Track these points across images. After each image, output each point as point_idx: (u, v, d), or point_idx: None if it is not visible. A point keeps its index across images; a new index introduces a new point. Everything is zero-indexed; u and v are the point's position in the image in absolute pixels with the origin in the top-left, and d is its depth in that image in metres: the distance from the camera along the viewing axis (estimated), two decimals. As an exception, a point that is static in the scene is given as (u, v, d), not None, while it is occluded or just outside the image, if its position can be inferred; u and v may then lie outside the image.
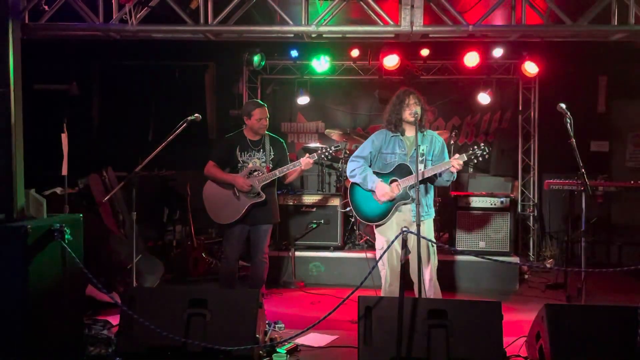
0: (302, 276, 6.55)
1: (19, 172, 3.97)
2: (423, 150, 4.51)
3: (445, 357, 3.56)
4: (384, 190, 4.49)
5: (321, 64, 7.66)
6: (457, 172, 4.43)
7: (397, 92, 4.62)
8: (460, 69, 7.76)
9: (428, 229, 4.57)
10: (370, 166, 4.67)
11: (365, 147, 4.71)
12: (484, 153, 4.33)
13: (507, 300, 5.45)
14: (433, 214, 4.66)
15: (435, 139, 4.60)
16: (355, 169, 4.65)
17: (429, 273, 4.51)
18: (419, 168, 4.35)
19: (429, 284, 4.49)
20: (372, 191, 4.58)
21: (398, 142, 4.60)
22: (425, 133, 4.60)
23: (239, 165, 5.18)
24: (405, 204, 4.50)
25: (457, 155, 4.36)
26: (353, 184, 4.75)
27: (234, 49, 7.47)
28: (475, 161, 4.38)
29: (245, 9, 4.90)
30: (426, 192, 4.56)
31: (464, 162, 4.35)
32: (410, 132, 4.54)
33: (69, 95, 6.82)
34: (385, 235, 4.57)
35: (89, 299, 5.02)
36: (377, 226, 4.64)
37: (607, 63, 7.60)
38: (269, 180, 5.10)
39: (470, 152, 4.37)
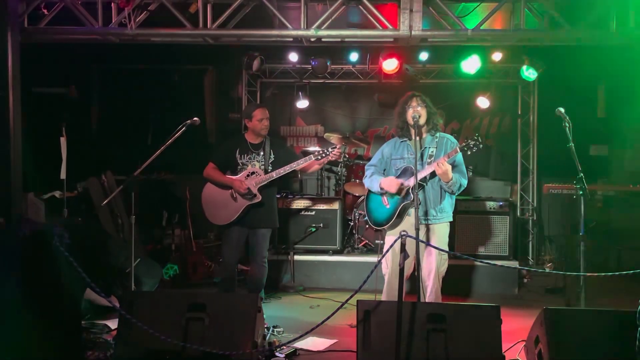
0: (302, 280, 6.54)
1: (18, 175, 3.96)
2: (432, 152, 4.48)
3: (444, 361, 3.55)
4: (390, 182, 4.47)
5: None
6: (452, 180, 4.33)
7: (404, 95, 4.59)
8: (459, 73, 7.75)
9: (439, 234, 4.52)
10: (384, 174, 4.69)
11: (376, 155, 4.78)
12: (478, 143, 4.26)
13: (506, 304, 5.42)
14: (447, 219, 4.56)
15: (448, 141, 4.55)
16: (366, 176, 4.73)
17: (432, 280, 4.47)
18: (426, 169, 4.36)
19: (430, 290, 4.46)
20: (382, 194, 4.59)
21: (406, 147, 4.59)
22: (436, 135, 4.56)
23: (239, 167, 5.19)
24: (411, 206, 4.46)
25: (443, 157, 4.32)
26: (368, 192, 4.79)
27: (233, 52, 7.47)
28: (469, 152, 4.31)
29: (244, 13, 4.91)
30: (437, 195, 4.49)
31: (459, 153, 4.32)
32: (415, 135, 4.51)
33: (68, 98, 6.83)
34: (394, 237, 4.53)
35: (87, 303, 5.01)
36: (387, 230, 4.63)
37: (606, 67, 7.61)
38: (265, 182, 5.09)
39: (464, 144, 4.33)
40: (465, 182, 4.47)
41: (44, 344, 3.67)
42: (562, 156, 4.99)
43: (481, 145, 4.29)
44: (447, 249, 4.54)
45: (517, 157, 8.08)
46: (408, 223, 4.48)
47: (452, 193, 4.50)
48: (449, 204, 4.56)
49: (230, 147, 5.27)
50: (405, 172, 4.50)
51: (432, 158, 4.45)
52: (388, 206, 4.56)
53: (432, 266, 4.46)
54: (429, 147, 4.50)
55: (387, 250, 4.07)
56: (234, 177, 5.13)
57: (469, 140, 4.29)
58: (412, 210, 4.46)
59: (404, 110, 4.50)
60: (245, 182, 5.06)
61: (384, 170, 4.70)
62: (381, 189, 4.55)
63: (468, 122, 8.30)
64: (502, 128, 8.28)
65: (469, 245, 6.44)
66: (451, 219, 4.60)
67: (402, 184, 4.44)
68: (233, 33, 4.94)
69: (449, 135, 4.64)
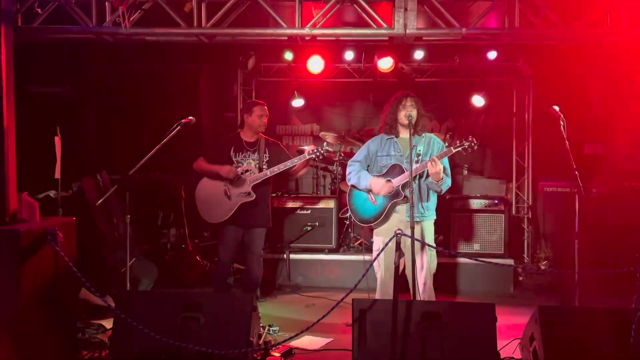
0: (297, 279, 6.53)
1: (12, 175, 3.95)
2: (420, 150, 4.50)
3: (439, 359, 3.56)
4: (379, 185, 4.49)
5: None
6: (444, 178, 4.39)
7: (397, 94, 4.62)
8: (454, 71, 7.77)
9: (427, 231, 4.56)
10: (368, 170, 4.69)
11: (361, 152, 4.76)
12: (472, 144, 4.34)
13: (501, 302, 5.45)
14: (433, 217, 4.63)
15: (434, 141, 4.60)
16: (351, 172, 4.70)
17: (424, 277, 4.50)
18: (416, 168, 4.38)
19: (423, 287, 4.48)
20: (368, 191, 4.59)
21: (393, 144, 4.61)
22: (423, 135, 4.60)
23: (233, 165, 5.19)
24: (400, 204, 4.50)
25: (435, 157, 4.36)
26: (351, 188, 4.77)
27: (228, 51, 7.45)
28: (464, 153, 4.39)
29: (239, 11, 4.90)
30: (425, 193, 4.54)
31: (454, 152, 4.38)
32: (404, 133, 4.54)
33: (63, 98, 6.80)
34: (382, 236, 4.57)
35: (82, 303, 5.00)
36: (374, 227, 4.65)
37: (601, 66, 7.62)
38: (259, 180, 5.10)
39: (458, 144, 4.38)
40: (450, 182, 4.53)
41: (39, 344, 3.67)
42: (557, 154, 5.01)
43: (476, 147, 4.36)
44: (435, 246, 4.60)
45: (512, 155, 8.10)
46: (395, 220, 4.51)
47: (440, 192, 4.53)
48: (433, 202, 4.63)
49: (225, 144, 5.28)
50: (392, 169, 4.51)
51: (420, 157, 4.47)
52: (376, 204, 4.57)
53: (424, 262, 4.49)
54: (417, 146, 4.52)
55: (382, 249, 4.07)
56: (221, 165, 5.12)
57: (464, 141, 4.36)
58: (399, 207, 4.53)
59: (397, 109, 4.52)
60: (234, 168, 5.06)
61: (368, 166, 4.71)
62: (369, 190, 4.56)
63: (463, 120, 8.31)
64: (497, 126, 8.29)
65: (464, 243, 6.46)
66: (435, 217, 4.65)
67: (393, 188, 4.46)
68: (228, 32, 4.93)
69: (435, 136, 4.69)
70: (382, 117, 4.69)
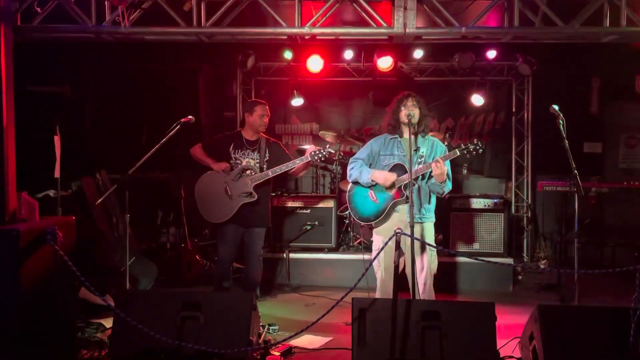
0: (297, 278, 6.54)
1: (12, 174, 3.94)
2: (423, 152, 4.52)
3: (439, 358, 3.56)
4: (383, 176, 4.49)
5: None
6: (447, 180, 4.41)
7: (399, 94, 4.64)
8: (453, 71, 7.78)
9: (427, 232, 4.57)
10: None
11: (364, 150, 4.77)
12: (477, 147, 4.36)
13: (501, 301, 5.43)
14: (433, 218, 4.64)
15: (437, 145, 4.61)
16: (353, 168, 4.70)
17: (424, 277, 4.50)
18: (420, 168, 4.39)
19: (423, 287, 4.48)
20: (370, 187, 4.60)
21: (397, 144, 4.61)
22: (426, 137, 4.61)
23: (231, 162, 5.21)
24: (401, 203, 4.50)
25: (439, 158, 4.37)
26: (352, 185, 4.78)
27: (227, 51, 7.45)
28: (468, 155, 4.40)
29: (238, 10, 4.90)
30: (426, 195, 4.55)
31: (459, 155, 4.38)
32: (408, 134, 4.53)
33: (63, 97, 6.80)
34: (382, 236, 4.58)
35: (82, 302, 5.00)
36: (374, 226, 4.65)
37: (600, 65, 7.64)
38: (261, 180, 5.10)
39: (463, 147, 4.40)
40: (451, 185, 4.54)
41: (37, 343, 3.66)
42: (556, 153, 5.01)
43: (481, 150, 4.37)
44: (435, 246, 4.61)
45: (511, 155, 8.11)
46: (395, 219, 4.52)
47: (442, 194, 4.54)
48: (434, 204, 4.64)
49: (225, 140, 5.31)
50: (395, 169, 4.52)
51: (423, 158, 4.48)
52: (377, 202, 4.57)
53: (425, 263, 4.49)
54: (421, 148, 4.53)
55: (382, 249, 4.07)
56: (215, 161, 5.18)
57: (469, 145, 4.37)
58: (400, 207, 4.53)
59: (398, 109, 4.54)
60: (227, 164, 5.11)
61: (370, 165, 4.71)
62: (372, 181, 4.55)
63: (462, 119, 8.31)
64: (496, 125, 8.30)
65: (463, 243, 6.46)
66: (435, 219, 4.67)
67: (397, 179, 4.46)
68: (227, 31, 4.93)
69: (438, 140, 4.69)
70: (385, 118, 4.71)
